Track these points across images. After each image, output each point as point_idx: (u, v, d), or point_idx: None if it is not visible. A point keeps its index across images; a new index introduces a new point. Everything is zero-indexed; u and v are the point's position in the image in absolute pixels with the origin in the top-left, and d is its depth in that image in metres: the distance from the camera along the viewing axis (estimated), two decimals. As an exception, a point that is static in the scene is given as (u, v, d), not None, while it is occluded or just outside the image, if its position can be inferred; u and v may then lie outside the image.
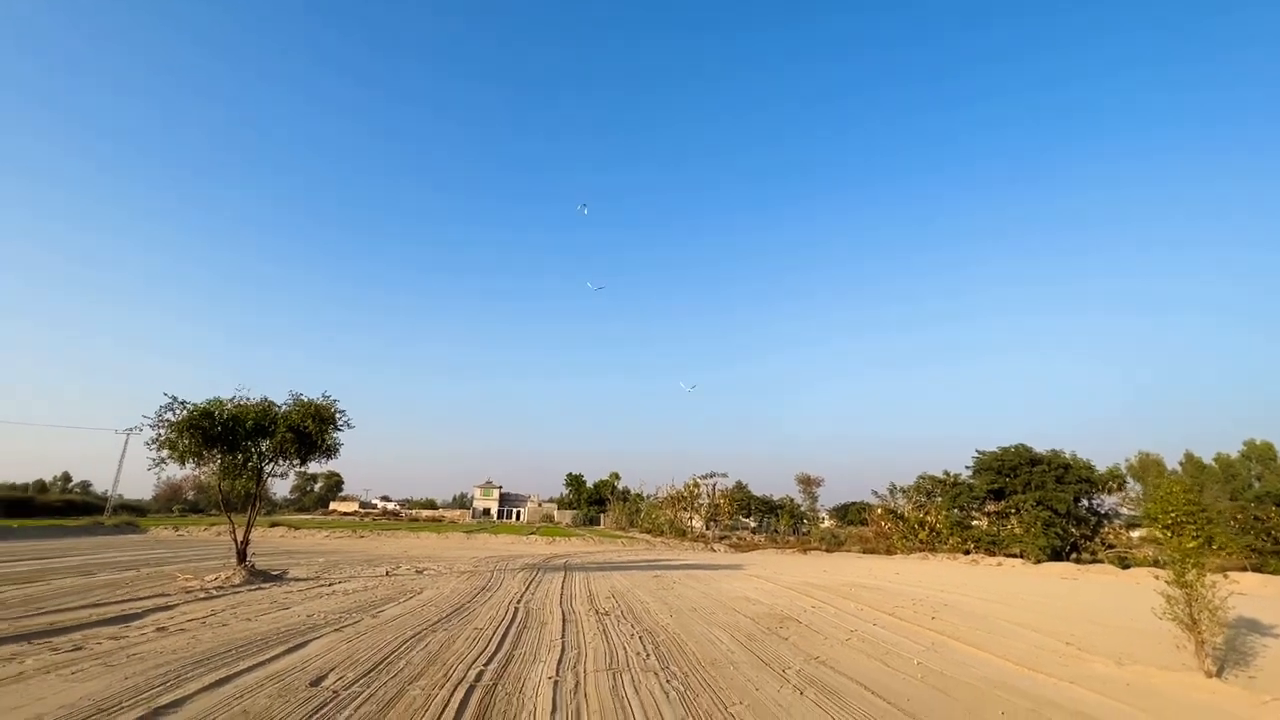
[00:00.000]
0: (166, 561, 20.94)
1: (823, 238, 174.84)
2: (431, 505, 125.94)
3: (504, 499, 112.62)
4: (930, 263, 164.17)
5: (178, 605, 13.25)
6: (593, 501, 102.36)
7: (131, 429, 41.38)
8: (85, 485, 61.97)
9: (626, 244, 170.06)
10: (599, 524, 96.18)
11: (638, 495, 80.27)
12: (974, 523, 41.56)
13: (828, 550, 44.02)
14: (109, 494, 44.92)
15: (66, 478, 63.03)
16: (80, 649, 9.87)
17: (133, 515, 43.29)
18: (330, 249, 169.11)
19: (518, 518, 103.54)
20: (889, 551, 42.41)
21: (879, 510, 48.14)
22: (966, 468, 42.90)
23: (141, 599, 13.76)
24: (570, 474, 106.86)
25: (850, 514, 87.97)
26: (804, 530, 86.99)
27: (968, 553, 38.72)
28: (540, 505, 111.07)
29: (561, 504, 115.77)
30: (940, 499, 43.74)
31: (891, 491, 49.44)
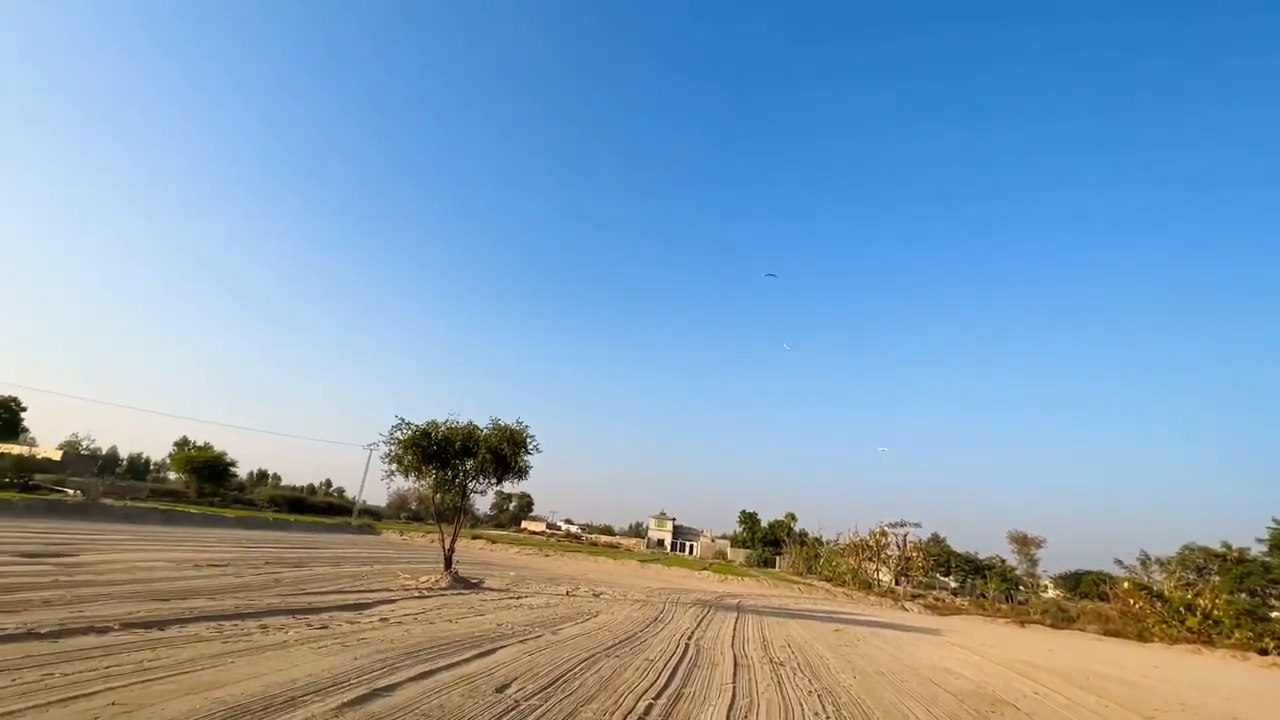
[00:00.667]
0: (393, 561, 24.31)
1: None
2: (609, 531, 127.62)
3: (677, 531, 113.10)
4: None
5: (397, 600, 14.86)
6: (767, 542, 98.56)
7: (372, 445, 48.79)
8: (340, 491, 76.27)
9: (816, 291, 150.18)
10: (774, 566, 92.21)
11: (816, 539, 75.66)
12: (1274, 614, 32.16)
13: (1053, 626, 37.05)
14: (355, 499, 53.80)
15: (328, 483, 78.34)
16: (325, 628, 11.37)
17: (371, 519, 51.57)
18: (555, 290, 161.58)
19: (690, 551, 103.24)
20: (1141, 638, 34.55)
21: (1126, 584, 39.57)
22: (1259, 540, 33.42)
23: (373, 591, 15.63)
24: (744, 511, 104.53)
25: (1084, 585, 73.40)
26: (1020, 599, 74.50)
27: (1265, 652, 29.84)
28: (713, 541, 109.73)
29: (735, 541, 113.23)
30: (1219, 578, 34.64)
31: (1144, 563, 40.32)
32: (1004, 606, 48.72)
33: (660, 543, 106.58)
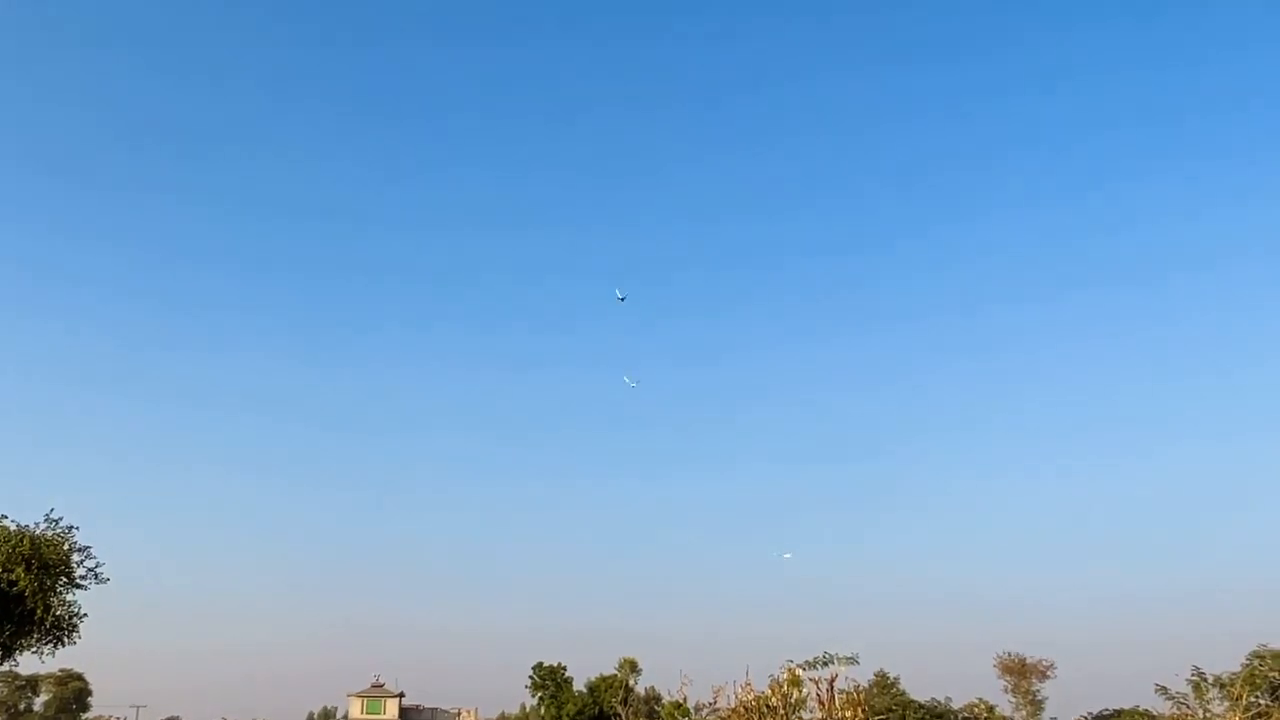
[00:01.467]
0: None
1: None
2: None
3: (407, 718, 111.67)
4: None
5: None
6: (587, 718, 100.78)
7: None
8: None
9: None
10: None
11: (676, 705, 78.89)
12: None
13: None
14: None
15: None
16: None
17: None
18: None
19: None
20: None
21: (1175, 725, 46.65)
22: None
23: None
24: (542, 667, 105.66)
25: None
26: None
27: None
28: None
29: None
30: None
31: (1199, 685, 47.86)
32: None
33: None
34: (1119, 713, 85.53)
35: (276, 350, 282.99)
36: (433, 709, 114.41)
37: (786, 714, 57.72)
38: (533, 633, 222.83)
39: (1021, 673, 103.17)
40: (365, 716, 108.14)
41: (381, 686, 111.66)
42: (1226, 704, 47.05)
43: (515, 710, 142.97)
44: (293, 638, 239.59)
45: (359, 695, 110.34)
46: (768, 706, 58.84)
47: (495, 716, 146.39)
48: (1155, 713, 58.84)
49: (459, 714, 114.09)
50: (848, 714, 55.12)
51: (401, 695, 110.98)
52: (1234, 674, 50.96)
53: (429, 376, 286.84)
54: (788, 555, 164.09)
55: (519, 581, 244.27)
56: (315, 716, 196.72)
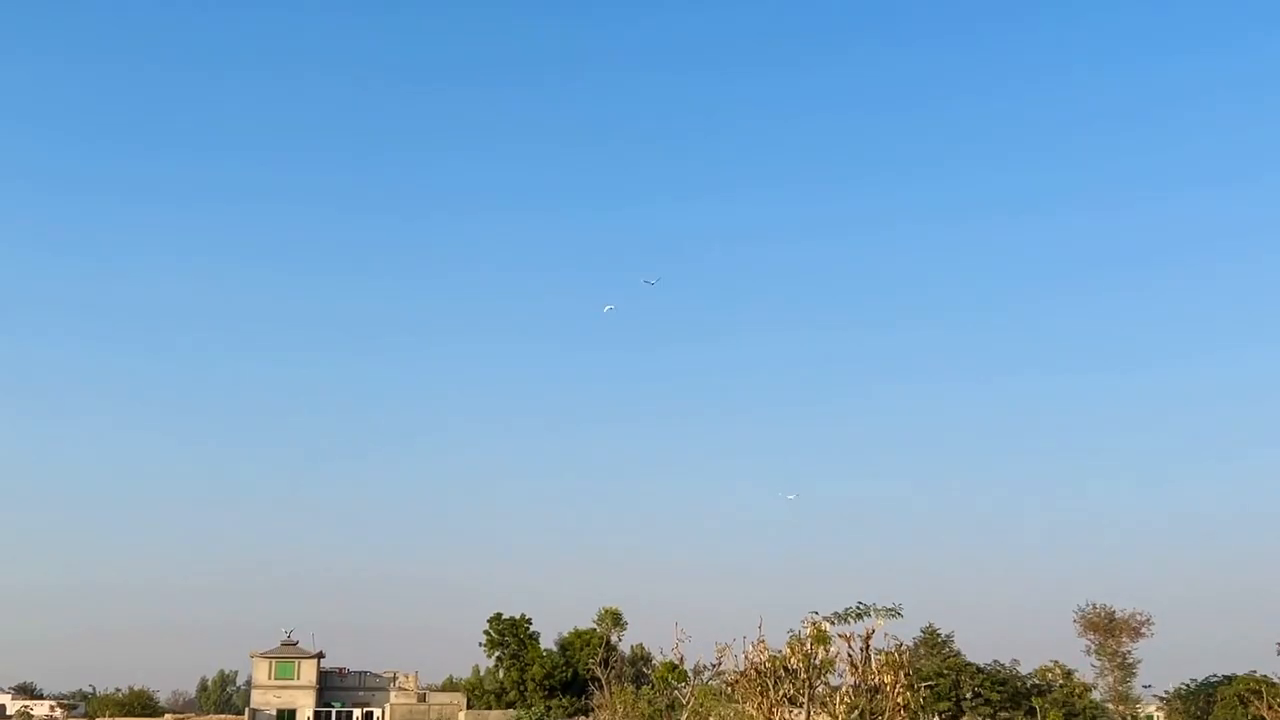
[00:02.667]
0: None
1: None
2: (145, 704, 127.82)
3: (329, 683, 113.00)
4: None
5: None
6: (555, 685, 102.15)
7: None
8: None
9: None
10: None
11: (669, 667, 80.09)
12: None
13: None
14: None
15: None
16: None
17: None
18: None
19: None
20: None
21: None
22: None
23: None
24: (500, 619, 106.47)
25: (1218, 707, 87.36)
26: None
27: None
28: (424, 697, 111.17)
29: (476, 691, 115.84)
30: None
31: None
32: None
33: (286, 717, 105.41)
34: (1230, 679, 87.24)
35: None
36: (360, 673, 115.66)
37: (809, 678, 58.48)
38: (490, 588, 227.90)
39: (1109, 630, 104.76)
40: (274, 682, 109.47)
41: (295, 645, 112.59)
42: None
43: (467, 675, 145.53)
44: (184, 585, 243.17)
45: (265, 656, 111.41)
46: (785, 669, 59.41)
47: (441, 682, 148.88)
48: (1277, 678, 59.93)
49: (394, 678, 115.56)
50: (886, 679, 55.72)
51: (320, 656, 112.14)
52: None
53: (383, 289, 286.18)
54: (792, 497, 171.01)
55: (476, 528, 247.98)
56: (209, 683, 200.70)
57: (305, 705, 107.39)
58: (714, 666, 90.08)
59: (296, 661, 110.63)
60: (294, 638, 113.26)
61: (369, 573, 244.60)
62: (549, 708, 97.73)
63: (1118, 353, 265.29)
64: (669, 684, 79.74)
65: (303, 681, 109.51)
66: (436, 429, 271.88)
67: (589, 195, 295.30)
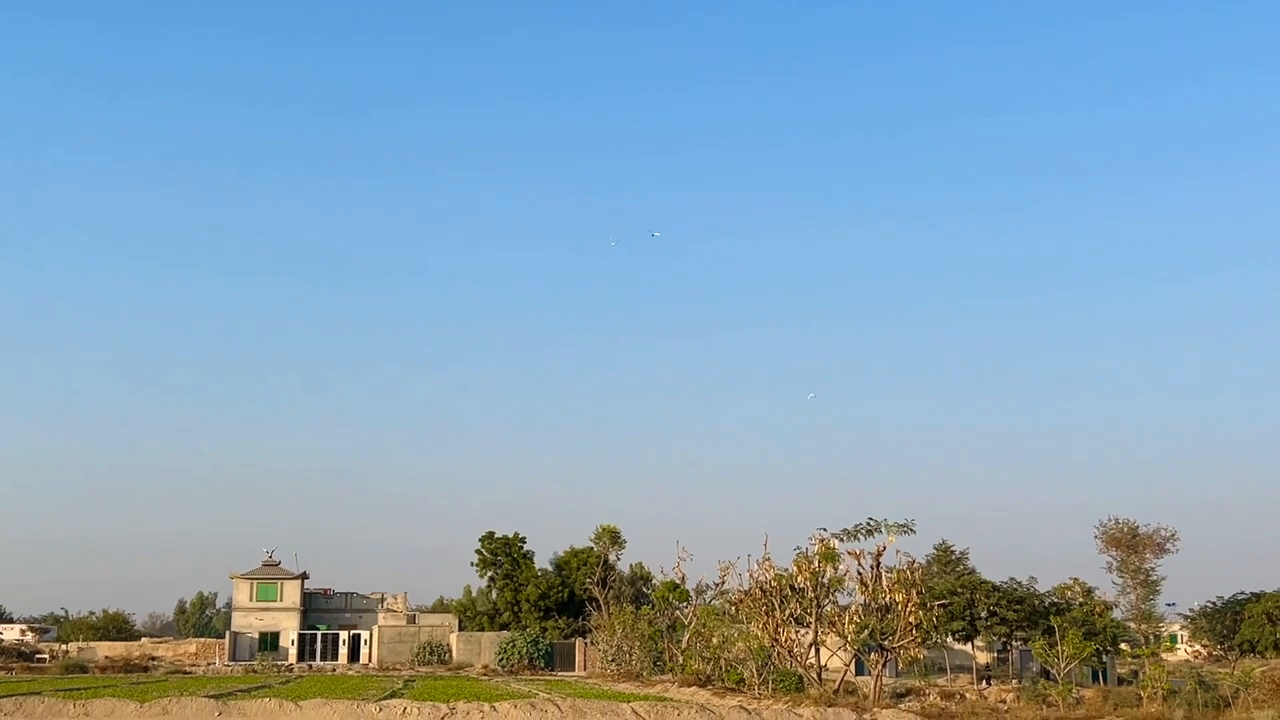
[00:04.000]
0: None
1: None
2: (121, 627, 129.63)
3: (313, 605, 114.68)
4: None
5: None
6: (551, 606, 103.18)
7: None
8: None
9: None
10: (572, 660, 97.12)
11: (671, 587, 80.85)
12: None
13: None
14: None
15: None
16: None
17: None
18: None
19: (354, 650, 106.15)
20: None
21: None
22: None
23: None
24: (492, 537, 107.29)
25: (1246, 625, 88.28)
26: (1125, 667, 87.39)
27: None
28: (414, 619, 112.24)
29: (468, 612, 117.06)
30: None
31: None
32: (1089, 694, 56.49)
33: (271, 642, 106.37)
34: (1259, 596, 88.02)
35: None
36: (347, 594, 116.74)
37: (817, 597, 59.15)
38: (488, 506, 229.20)
39: (1132, 545, 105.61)
40: (255, 604, 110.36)
41: (277, 565, 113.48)
42: None
43: (458, 596, 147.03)
44: (159, 501, 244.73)
45: (246, 577, 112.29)
46: (792, 588, 60.23)
47: (431, 603, 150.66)
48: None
49: (382, 600, 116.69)
50: (898, 597, 56.47)
51: (304, 577, 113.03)
52: None
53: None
54: (811, 396, 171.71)
55: (468, 444, 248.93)
56: (188, 605, 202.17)
57: (289, 628, 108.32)
58: (717, 586, 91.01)
59: (279, 583, 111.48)
60: (276, 558, 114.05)
61: (354, 491, 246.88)
62: (544, 629, 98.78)
63: (1143, 260, 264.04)
64: (670, 604, 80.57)
65: (286, 603, 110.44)
66: (438, 338, 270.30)
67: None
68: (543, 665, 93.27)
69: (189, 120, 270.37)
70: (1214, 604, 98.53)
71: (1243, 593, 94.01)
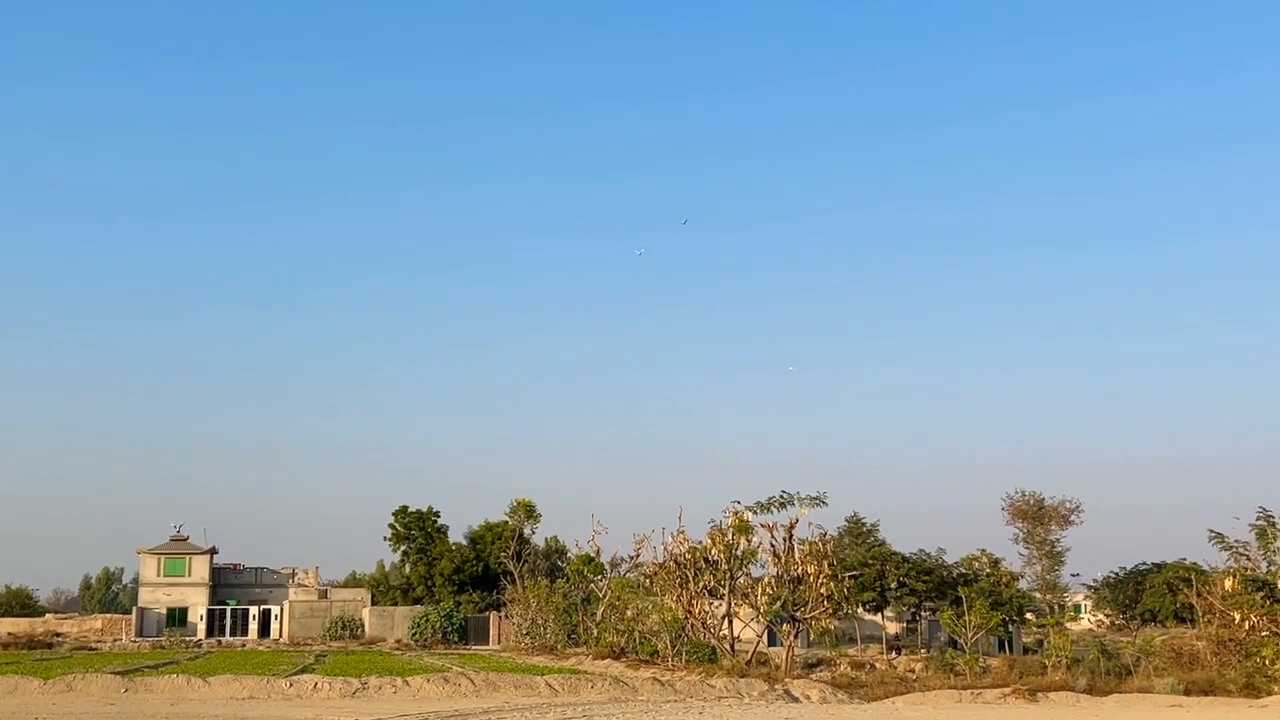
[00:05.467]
0: None
1: None
2: (24, 603, 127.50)
3: (222, 580, 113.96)
4: None
5: None
6: (465, 580, 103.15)
7: None
8: None
9: None
10: (487, 634, 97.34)
11: (586, 560, 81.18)
12: None
13: (1092, 691, 44.72)
14: None
15: None
16: None
17: None
18: None
19: (264, 626, 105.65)
20: (1250, 688, 43.19)
21: (1229, 582, 48.89)
22: None
23: None
24: (406, 511, 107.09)
25: (1148, 596, 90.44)
26: (1029, 638, 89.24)
27: None
28: (326, 594, 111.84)
29: (381, 587, 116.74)
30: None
31: (1263, 532, 50.00)
32: (995, 663, 57.60)
33: (179, 618, 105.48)
34: (1161, 566, 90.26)
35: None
36: (257, 569, 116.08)
37: (730, 569, 59.70)
38: (401, 480, 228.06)
39: (1038, 517, 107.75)
40: (163, 579, 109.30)
41: (185, 540, 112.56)
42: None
43: (371, 570, 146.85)
44: (63, 475, 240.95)
45: (154, 552, 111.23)
46: (706, 560, 60.71)
47: (344, 577, 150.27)
48: (1207, 566, 61.96)
49: (293, 574, 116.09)
50: (810, 569, 57.22)
51: (213, 551, 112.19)
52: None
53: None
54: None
55: (380, 418, 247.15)
56: (93, 581, 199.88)
57: (198, 603, 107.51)
58: (632, 559, 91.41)
59: (187, 558, 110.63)
60: (184, 533, 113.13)
61: (265, 465, 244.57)
62: (458, 603, 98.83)
63: (1046, 230, 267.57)
64: (585, 577, 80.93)
65: (194, 579, 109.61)
66: (349, 314, 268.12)
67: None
68: (457, 639, 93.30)
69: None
70: (1116, 574, 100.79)
71: (1144, 563, 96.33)
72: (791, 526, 58.80)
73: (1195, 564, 71.62)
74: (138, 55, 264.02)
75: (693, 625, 59.42)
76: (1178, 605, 74.79)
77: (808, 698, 43.67)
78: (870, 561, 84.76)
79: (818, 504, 59.27)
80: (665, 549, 63.55)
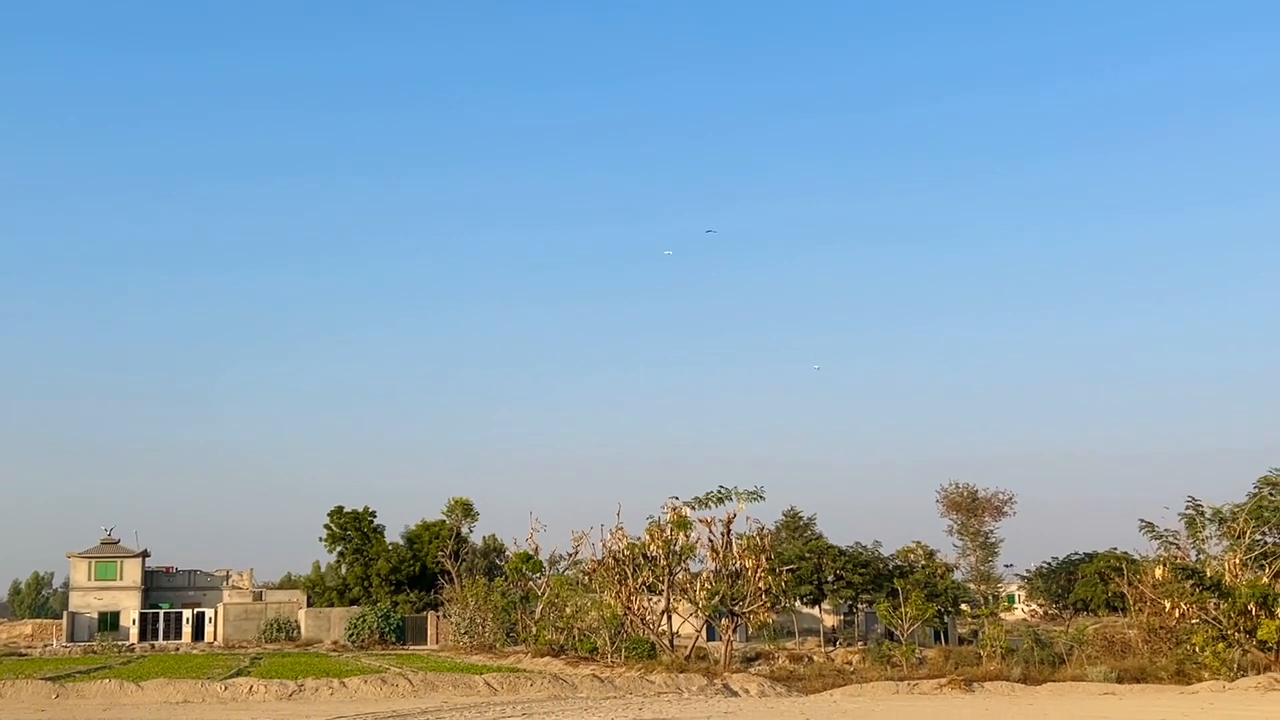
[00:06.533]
0: None
1: None
2: None
3: (155, 584, 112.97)
4: None
5: None
6: (402, 580, 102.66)
7: None
8: None
9: None
10: (425, 634, 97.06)
11: (524, 558, 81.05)
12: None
13: (1027, 680, 45.34)
14: None
15: None
16: None
17: None
18: None
19: (198, 629, 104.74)
20: (1181, 675, 44.00)
21: (1159, 571, 49.62)
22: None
23: None
24: (341, 512, 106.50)
25: (1079, 584, 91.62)
26: (965, 628, 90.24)
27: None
28: (261, 596, 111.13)
29: (317, 588, 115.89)
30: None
31: (1192, 521, 50.81)
32: (931, 654, 58.25)
33: (111, 621, 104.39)
34: (1093, 556, 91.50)
35: None
36: (190, 572, 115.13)
37: (669, 565, 59.89)
38: (337, 481, 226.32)
39: (971, 509, 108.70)
40: (94, 583, 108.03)
41: (116, 544, 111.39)
42: (1226, 542, 50.39)
43: (306, 571, 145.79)
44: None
45: (84, 556, 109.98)
46: (645, 556, 60.91)
47: (279, 579, 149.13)
48: (1137, 555, 62.92)
49: (227, 577, 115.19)
50: (748, 563, 57.53)
51: (145, 555, 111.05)
52: (1238, 506, 54.49)
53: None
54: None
55: (318, 420, 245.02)
56: (23, 585, 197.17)
57: (130, 607, 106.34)
58: (570, 556, 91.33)
59: (119, 561, 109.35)
60: (115, 536, 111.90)
61: (198, 468, 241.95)
62: (396, 603, 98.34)
63: (950, 222, 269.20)
64: (523, 575, 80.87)
65: (126, 582, 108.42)
66: (282, 317, 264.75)
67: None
68: (394, 640, 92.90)
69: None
70: (1049, 565, 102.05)
71: (1076, 553, 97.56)
72: (729, 521, 59.11)
73: (1126, 553, 72.68)
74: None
75: (632, 621, 59.57)
76: (1109, 594, 75.80)
77: (747, 691, 43.89)
78: (807, 555, 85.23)
79: (755, 499, 59.71)
80: (604, 546, 63.72)
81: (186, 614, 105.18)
